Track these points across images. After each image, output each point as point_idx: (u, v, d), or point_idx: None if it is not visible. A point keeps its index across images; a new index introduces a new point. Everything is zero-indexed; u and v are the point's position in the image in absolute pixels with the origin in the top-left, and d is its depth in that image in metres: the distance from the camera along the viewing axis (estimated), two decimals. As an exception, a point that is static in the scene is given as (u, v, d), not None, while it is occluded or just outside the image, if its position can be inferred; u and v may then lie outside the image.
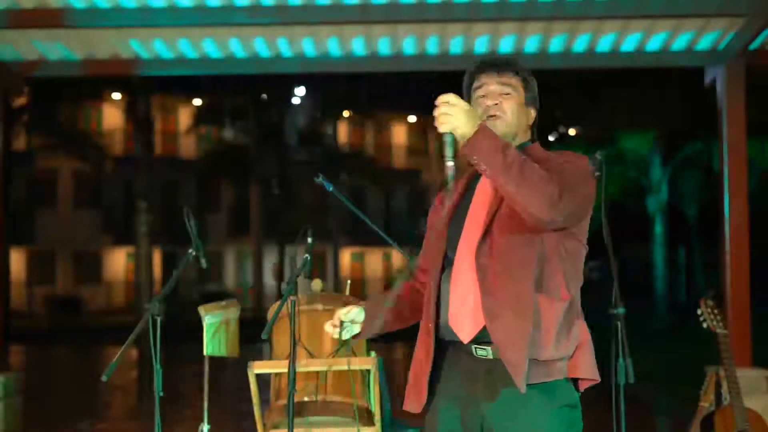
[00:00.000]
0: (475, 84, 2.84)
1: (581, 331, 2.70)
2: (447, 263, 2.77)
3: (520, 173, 2.54)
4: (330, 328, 2.99)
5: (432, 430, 2.75)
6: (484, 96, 2.80)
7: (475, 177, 2.84)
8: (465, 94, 2.87)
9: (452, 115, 2.57)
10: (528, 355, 2.56)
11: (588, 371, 2.69)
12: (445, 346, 2.75)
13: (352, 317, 2.97)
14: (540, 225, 2.60)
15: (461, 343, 2.68)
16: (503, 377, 2.60)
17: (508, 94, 2.79)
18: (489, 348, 2.63)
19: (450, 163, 2.61)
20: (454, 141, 2.58)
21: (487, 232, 2.69)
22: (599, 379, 2.73)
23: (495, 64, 2.84)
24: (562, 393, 2.65)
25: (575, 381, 2.70)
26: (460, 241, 2.74)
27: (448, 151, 2.59)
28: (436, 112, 2.59)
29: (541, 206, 2.55)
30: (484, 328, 2.62)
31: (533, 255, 2.63)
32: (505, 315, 2.58)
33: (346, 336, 2.98)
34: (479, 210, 2.75)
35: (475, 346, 2.66)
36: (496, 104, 2.78)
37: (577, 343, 2.67)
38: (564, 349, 2.63)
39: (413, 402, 2.77)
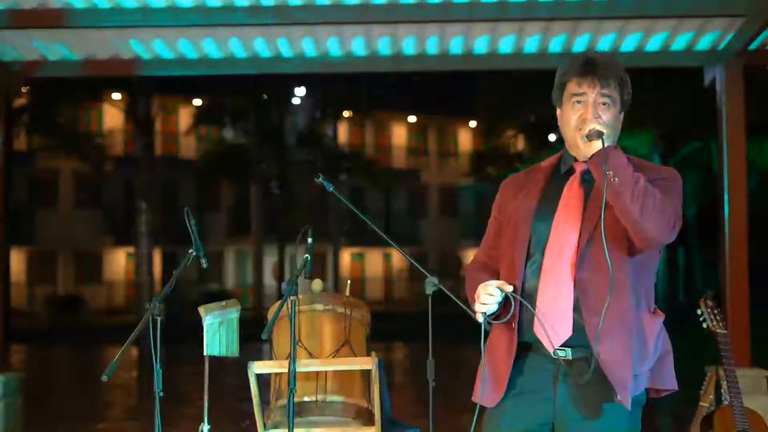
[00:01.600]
0: (574, 89, 2.79)
1: (666, 341, 2.82)
2: (530, 261, 2.77)
3: (644, 195, 2.59)
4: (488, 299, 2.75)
5: (498, 425, 2.78)
6: (581, 103, 2.78)
7: (557, 177, 2.85)
8: (558, 89, 2.85)
9: (607, 125, 2.68)
10: (633, 372, 2.64)
11: (670, 382, 2.79)
12: (519, 343, 2.76)
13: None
14: (650, 246, 2.67)
15: (538, 343, 2.71)
16: (584, 380, 2.65)
17: (606, 104, 2.78)
18: (569, 349, 2.68)
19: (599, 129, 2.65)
20: (600, 139, 2.64)
21: (587, 245, 2.69)
22: (678, 389, 2.82)
23: (600, 73, 2.78)
24: (640, 402, 2.74)
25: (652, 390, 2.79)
26: (549, 244, 2.74)
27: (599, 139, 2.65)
28: (593, 114, 2.70)
29: (662, 231, 2.61)
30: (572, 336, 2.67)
31: (631, 271, 2.68)
32: (612, 335, 2.62)
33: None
34: (568, 216, 2.75)
35: (556, 348, 2.69)
36: (596, 118, 2.74)
37: (660, 353, 2.77)
38: (652, 360, 2.74)
39: (490, 396, 2.77)
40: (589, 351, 2.66)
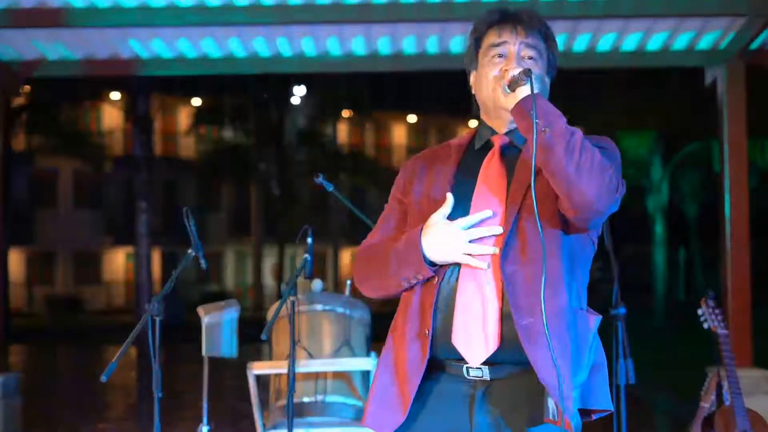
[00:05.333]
0: (492, 40, 2.31)
1: (599, 350, 2.31)
2: None
3: (581, 149, 2.11)
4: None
5: None
6: (502, 57, 2.30)
7: (471, 154, 2.37)
8: (471, 48, 2.38)
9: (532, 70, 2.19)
10: (573, 383, 2.16)
11: (605, 400, 2.27)
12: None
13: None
14: (587, 216, 2.18)
15: (450, 360, 2.23)
16: (508, 403, 2.20)
17: (532, 58, 2.29)
18: (486, 368, 2.20)
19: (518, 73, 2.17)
20: (525, 81, 2.16)
21: (512, 231, 2.20)
22: (613, 409, 2.32)
23: (521, 19, 2.31)
24: (578, 423, 2.23)
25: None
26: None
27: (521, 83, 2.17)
28: (513, 64, 2.23)
29: (601, 193, 2.12)
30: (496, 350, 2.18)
31: (565, 260, 2.22)
32: (549, 337, 2.11)
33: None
34: (489, 197, 2.26)
35: (467, 366, 2.21)
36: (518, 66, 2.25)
37: (594, 364, 2.27)
38: (585, 373, 2.24)
39: (387, 419, 2.25)
40: (515, 367, 2.18)
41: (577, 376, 2.19)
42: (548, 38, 2.34)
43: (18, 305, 28.19)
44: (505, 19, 2.31)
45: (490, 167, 2.30)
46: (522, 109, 2.14)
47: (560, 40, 6.80)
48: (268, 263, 32.54)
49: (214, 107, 29.34)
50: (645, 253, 25.35)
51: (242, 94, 27.58)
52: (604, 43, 6.84)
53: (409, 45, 6.87)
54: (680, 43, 6.80)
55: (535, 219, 2.13)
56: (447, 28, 6.54)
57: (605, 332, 2.79)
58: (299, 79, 25.51)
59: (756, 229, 7.73)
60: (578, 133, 2.14)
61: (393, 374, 2.27)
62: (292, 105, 29.94)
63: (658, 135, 22.71)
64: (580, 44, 6.86)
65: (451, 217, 2.23)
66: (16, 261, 30.25)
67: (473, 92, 2.41)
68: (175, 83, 23.92)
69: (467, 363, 2.20)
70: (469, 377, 2.22)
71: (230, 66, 7.18)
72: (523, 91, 2.15)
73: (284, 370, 3.94)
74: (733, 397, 4.44)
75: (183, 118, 32.77)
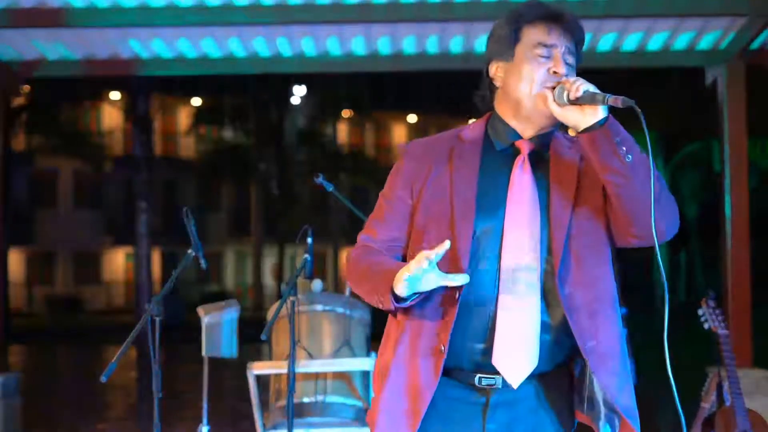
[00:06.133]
0: (541, 37, 2.16)
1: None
2: (473, 266, 2.13)
3: (657, 179, 2.04)
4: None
5: None
6: (548, 58, 2.15)
7: (492, 155, 2.22)
8: (508, 36, 2.21)
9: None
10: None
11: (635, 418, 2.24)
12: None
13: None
14: (645, 244, 2.12)
15: (463, 369, 2.16)
16: (523, 412, 2.17)
17: (571, 66, 2.18)
18: (497, 377, 2.13)
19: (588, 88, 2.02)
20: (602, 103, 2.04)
21: (565, 249, 2.12)
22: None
23: (569, 22, 2.18)
24: None
25: None
26: (505, 248, 2.12)
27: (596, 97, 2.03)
28: (571, 78, 2.10)
29: (671, 222, 2.11)
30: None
31: (611, 278, 2.17)
32: (612, 358, 2.12)
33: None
34: (522, 210, 2.14)
35: (480, 375, 2.15)
36: (566, 75, 2.13)
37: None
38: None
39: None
40: (531, 381, 2.14)
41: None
42: (580, 47, 2.23)
43: (18, 305, 28.18)
44: (555, 18, 2.18)
45: (522, 179, 2.16)
46: (607, 132, 2.03)
47: (560, 40, 6.80)
48: (268, 263, 32.55)
49: (214, 107, 29.36)
50: (645, 253, 25.34)
51: (242, 94, 27.59)
52: (604, 43, 6.83)
53: (409, 45, 6.86)
54: (680, 43, 6.80)
55: (585, 239, 2.11)
56: (447, 28, 6.53)
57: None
58: (299, 79, 25.52)
59: (756, 229, 7.73)
60: (653, 166, 2.05)
61: (402, 387, 2.16)
62: (292, 105, 29.96)
63: (658, 135, 22.72)
64: (580, 44, 6.85)
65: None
66: (16, 261, 30.26)
67: (496, 83, 2.23)
68: (175, 83, 23.93)
69: (481, 374, 2.14)
70: (481, 385, 2.15)
71: (230, 66, 7.18)
72: (599, 113, 2.03)
73: (284, 370, 3.93)
74: (734, 397, 4.44)
75: (183, 118, 32.78)
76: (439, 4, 6.11)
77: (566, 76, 2.11)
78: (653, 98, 21.51)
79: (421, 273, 2.00)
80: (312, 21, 6.22)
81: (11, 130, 19.40)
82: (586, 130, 2.04)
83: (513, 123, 2.21)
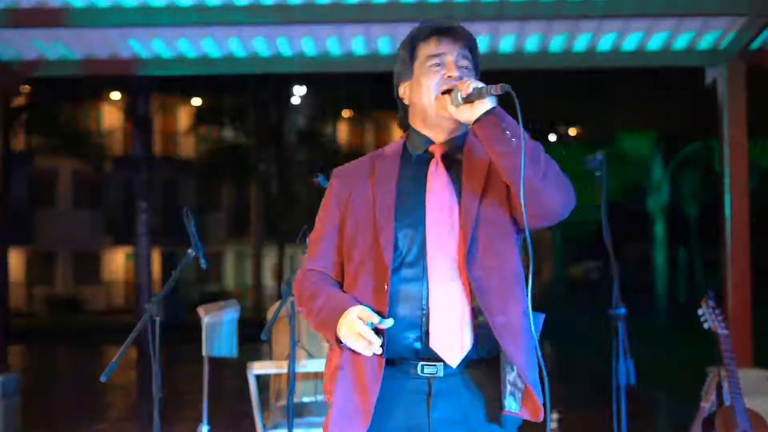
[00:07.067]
0: (430, 50, 2.41)
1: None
2: (401, 265, 2.34)
3: (545, 160, 2.25)
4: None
5: None
6: (440, 66, 2.39)
7: (409, 164, 2.44)
8: (406, 59, 2.45)
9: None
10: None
11: (540, 395, 2.34)
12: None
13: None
14: (546, 222, 2.31)
15: (405, 360, 2.31)
16: (465, 398, 2.32)
17: (467, 68, 2.41)
18: (440, 365, 2.30)
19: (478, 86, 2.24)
20: (487, 96, 2.25)
21: (473, 237, 2.31)
22: (542, 402, 2.38)
23: (456, 31, 2.44)
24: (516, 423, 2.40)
25: None
26: (429, 243, 2.32)
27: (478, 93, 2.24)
28: (454, 77, 2.34)
29: (565, 201, 2.28)
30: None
31: (517, 259, 2.36)
32: (521, 335, 2.28)
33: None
34: (442, 206, 2.35)
35: (423, 363, 2.31)
36: (460, 77, 2.36)
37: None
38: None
39: (350, 430, 2.31)
40: (465, 363, 2.30)
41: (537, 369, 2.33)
42: (475, 53, 2.45)
43: (18, 305, 28.18)
44: (441, 31, 2.43)
45: (437, 178, 2.38)
46: (493, 120, 2.23)
47: (560, 40, 6.80)
48: (268, 263, 32.53)
49: (214, 107, 29.34)
50: (645, 253, 25.35)
51: (242, 94, 27.58)
52: (604, 43, 6.84)
53: (409, 45, 6.86)
54: (680, 43, 6.80)
55: (492, 225, 2.31)
56: (447, 28, 6.53)
57: (606, 332, 2.79)
58: (299, 79, 25.51)
59: (756, 229, 7.73)
60: (540, 146, 2.26)
61: (351, 386, 2.32)
62: (292, 105, 29.95)
63: (658, 135, 22.73)
64: (580, 44, 6.86)
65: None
66: (16, 261, 30.25)
67: (405, 102, 2.48)
68: (175, 83, 23.90)
69: (423, 362, 2.30)
70: (423, 374, 2.31)
71: (230, 66, 7.18)
72: (487, 104, 2.24)
73: (284, 370, 3.93)
74: (734, 397, 4.44)
75: (183, 118, 32.77)
76: (439, 4, 6.11)
77: (461, 78, 2.34)
78: (653, 98, 21.54)
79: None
80: (312, 21, 6.22)
81: (11, 130, 19.39)
82: (477, 121, 2.26)
83: (425, 131, 2.44)
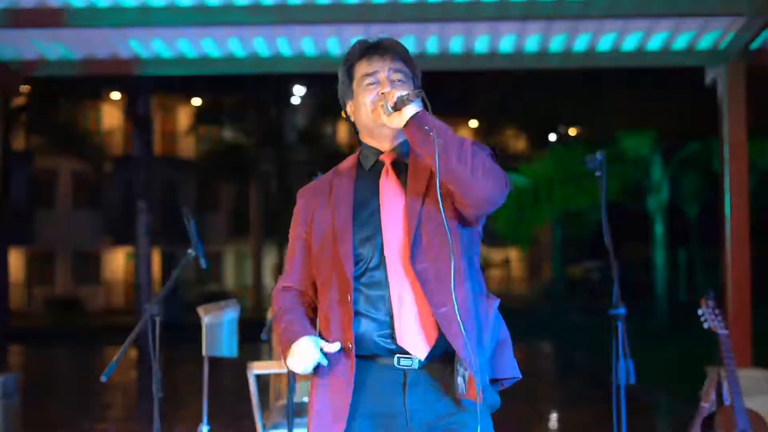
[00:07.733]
0: (364, 70, 2.59)
1: (503, 327, 2.62)
2: (363, 271, 2.52)
3: (472, 155, 2.43)
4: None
5: None
6: (374, 84, 2.58)
7: (363, 176, 2.63)
8: (345, 81, 2.65)
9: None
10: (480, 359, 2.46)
11: (510, 369, 2.59)
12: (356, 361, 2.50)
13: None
14: (484, 209, 2.50)
15: (379, 356, 2.49)
16: (437, 387, 2.49)
17: (401, 81, 2.58)
18: (414, 357, 2.47)
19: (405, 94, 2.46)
20: (411, 101, 2.46)
21: (416, 234, 2.49)
22: (521, 376, 2.63)
23: (387, 48, 2.61)
24: (492, 395, 2.56)
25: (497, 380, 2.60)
26: (386, 246, 2.51)
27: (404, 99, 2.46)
28: (387, 87, 2.53)
29: (495, 190, 2.46)
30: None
31: (464, 253, 2.52)
32: (465, 321, 2.43)
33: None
34: (396, 211, 2.53)
35: (398, 356, 2.48)
36: (397, 87, 2.55)
37: (498, 340, 2.59)
38: (490, 350, 2.55)
39: (330, 429, 2.48)
40: (438, 354, 2.47)
41: (484, 354, 2.49)
42: (408, 60, 2.62)
43: (18, 305, 28.16)
44: (371, 50, 2.60)
45: (388, 184, 2.58)
46: (416, 123, 2.42)
47: (560, 40, 6.80)
48: (268, 263, 32.53)
49: (214, 107, 29.33)
50: (645, 253, 25.33)
51: (242, 94, 27.58)
52: (604, 43, 6.84)
53: (408, 45, 6.83)
54: (680, 43, 6.80)
55: (435, 220, 2.47)
56: (447, 28, 6.54)
57: (605, 332, 2.79)
58: (299, 79, 25.51)
59: (756, 229, 7.73)
60: (467, 141, 2.45)
61: (328, 386, 2.52)
62: (292, 105, 29.95)
63: (658, 135, 22.71)
64: (580, 44, 6.86)
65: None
66: (15, 261, 30.24)
67: (352, 120, 2.68)
68: (175, 83, 23.90)
69: (399, 355, 2.47)
70: (400, 366, 2.48)
71: (230, 66, 7.18)
72: (410, 109, 2.43)
73: (284, 370, 3.93)
74: (733, 397, 4.44)
75: (183, 118, 32.77)
76: (439, 4, 6.11)
77: (397, 89, 2.50)
78: (653, 98, 21.52)
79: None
80: (312, 21, 6.22)
81: (11, 130, 19.39)
82: (405, 126, 2.46)
83: (373, 143, 2.64)
